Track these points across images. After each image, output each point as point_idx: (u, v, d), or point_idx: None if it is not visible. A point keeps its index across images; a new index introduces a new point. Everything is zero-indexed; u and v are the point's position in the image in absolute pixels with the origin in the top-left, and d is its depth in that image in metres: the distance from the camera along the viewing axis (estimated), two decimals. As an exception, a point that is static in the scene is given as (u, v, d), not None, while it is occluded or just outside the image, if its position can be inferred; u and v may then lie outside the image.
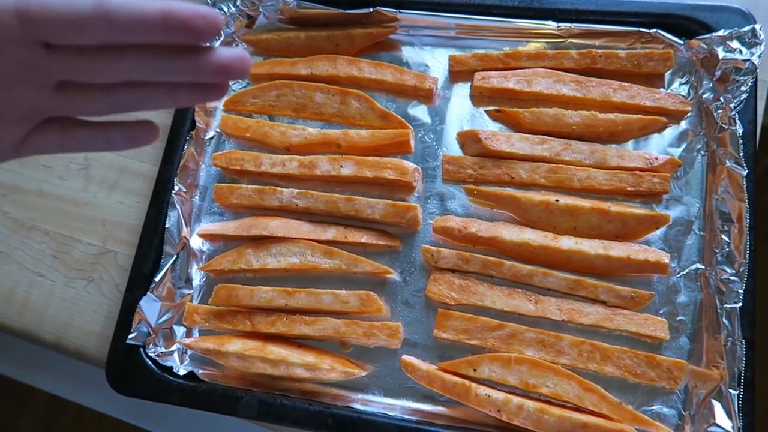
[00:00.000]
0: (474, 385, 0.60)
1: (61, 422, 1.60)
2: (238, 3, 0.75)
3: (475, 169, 0.68)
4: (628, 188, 0.64)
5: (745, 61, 0.63)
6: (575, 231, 0.64)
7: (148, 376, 0.63)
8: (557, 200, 0.64)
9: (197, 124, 0.72)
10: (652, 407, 0.60)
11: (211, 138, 0.74)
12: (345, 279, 0.67)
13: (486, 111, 0.71)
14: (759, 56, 0.63)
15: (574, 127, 0.67)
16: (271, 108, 0.74)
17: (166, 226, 0.68)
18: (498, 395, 0.59)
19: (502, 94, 0.70)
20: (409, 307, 0.65)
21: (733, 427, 0.55)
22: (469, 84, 0.71)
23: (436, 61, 0.73)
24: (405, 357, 0.63)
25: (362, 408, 0.62)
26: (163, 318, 0.66)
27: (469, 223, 0.65)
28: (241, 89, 0.75)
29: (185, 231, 0.69)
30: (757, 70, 0.63)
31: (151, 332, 0.65)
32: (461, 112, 0.71)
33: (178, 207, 0.69)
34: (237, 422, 0.68)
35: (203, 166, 0.73)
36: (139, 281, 0.67)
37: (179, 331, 0.67)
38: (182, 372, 0.64)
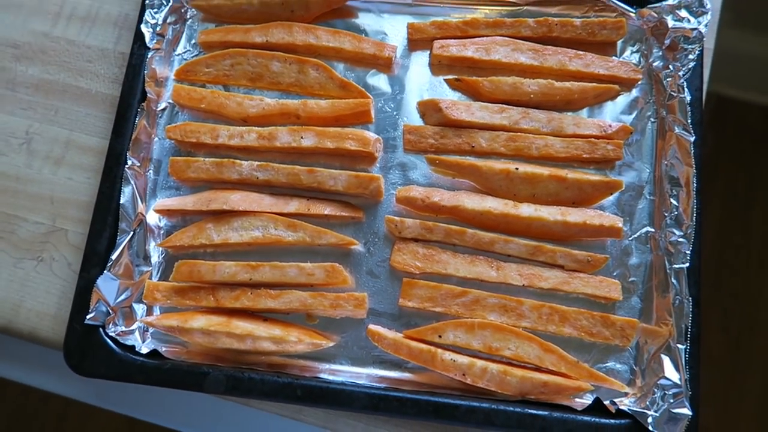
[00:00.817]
0: (439, 351, 0.62)
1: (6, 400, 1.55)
2: (186, -34, 0.72)
3: (436, 138, 0.68)
4: (584, 155, 0.66)
5: (693, 29, 0.66)
6: (534, 198, 0.66)
7: (110, 356, 0.62)
8: (517, 168, 0.65)
9: (148, 95, 0.69)
10: (607, 364, 0.63)
11: (164, 109, 0.71)
12: (309, 251, 0.67)
13: (445, 80, 0.71)
14: (706, 25, 0.65)
15: (531, 96, 0.68)
16: (226, 78, 0.71)
17: (121, 202, 0.66)
18: (463, 359, 0.61)
19: (461, 62, 0.70)
20: (374, 278, 0.66)
21: (680, 379, 0.59)
22: (428, 52, 0.71)
23: (394, 29, 0.73)
24: (372, 326, 0.64)
25: (330, 378, 0.62)
26: (122, 296, 0.64)
27: (431, 192, 0.66)
28: (193, 58, 0.72)
29: (141, 207, 0.67)
30: (704, 39, 0.65)
31: (110, 311, 0.63)
32: (421, 81, 0.71)
33: (132, 182, 0.66)
34: (205, 399, 0.68)
35: (156, 138, 0.70)
36: (95, 260, 0.65)
37: (139, 309, 0.66)
38: (145, 350, 0.63)
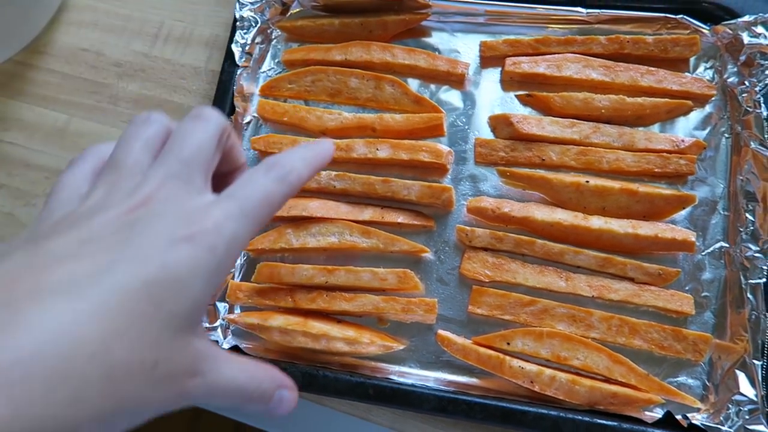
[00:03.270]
0: (508, 357, 0.63)
1: None
2: (273, -10, 0.78)
3: (506, 151, 0.70)
4: (655, 169, 0.67)
5: (770, 46, 0.66)
6: (604, 211, 0.67)
7: (196, 350, 0.66)
8: (587, 181, 0.66)
9: (236, 108, 0.75)
10: (678, 378, 0.63)
11: (249, 122, 0.77)
12: (382, 257, 0.69)
13: (516, 95, 0.73)
14: (784, 41, 0.65)
15: (602, 111, 0.69)
16: (307, 93, 0.76)
17: (209, 207, 0.71)
18: (531, 367, 0.62)
19: (533, 78, 0.72)
20: (443, 284, 0.68)
21: (756, 395, 0.58)
22: (500, 69, 0.74)
23: (466, 47, 0.76)
24: (441, 331, 0.66)
25: (399, 380, 0.65)
26: (208, 295, 0.69)
27: (502, 203, 0.68)
28: (277, 75, 0.77)
29: (226, 212, 0.72)
30: (782, 55, 0.65)
31: (197, 308, 0.68)
32: (492, 96, 0.74)
33: (219, 189, 0.71)
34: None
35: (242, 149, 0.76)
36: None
37: (222, 307, 0.70)
38: (226, 346, 0.67)
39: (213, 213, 0.34)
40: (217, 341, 0.67)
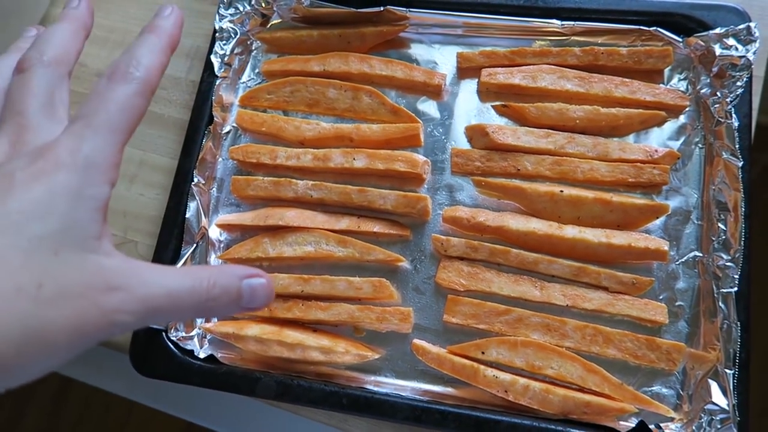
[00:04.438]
0: (482, 367, 0.63)
1: (69, 404, 1.66)
2: (252, 2, 0.78)
3: (482, 161, 0.71)
4: (630, 179, 0.67)
5: (741, 57, 0.66)
6: (579, 220, 0.67)
7: (170, 359, 0.66)
8: (562, 191, 0.67)
9: (215, 119, 0.75)
10: (652, 388, 0.63)
11: (228, 132, 0.77)
12: (358, 267, 0.70)
13: (493, 106, 0.73)
14: (754, 53, 0.66)
15: (577, 121, 0.70)
16: (286, 103, 0.77)
17: (186, 216, 0.71)
18: (505, 376, 0.62)
19: (508, 89, 0.73)
20: (419, 294, 0.68)
21: (728, 404, 0.58)
22: (477, 80, 0.74)
23: (444, 59, 0.76)
24: (416, 341, 0.66)
25: (375, 389, 0.65)
26: (184, 304, 0.69)
27: (477, 213, 0.68)
28: (256, 86, 0.78)
29: (204, 221, 0.72)
30: (752, 66, 0.66)
31: (172, 317, 0.68)
32: (469, 107, 0.74)
33: (197, 198, 0.72)
34: (255, 406, 0.71)
35: (220, 159, 0.76)
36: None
37: (199, 317, 0.70)
38: (202, 355, 0.67)
39: (62, 139, 0.36)
40: (192, 350, 0.67)
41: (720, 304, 0.61)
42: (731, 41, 0.67)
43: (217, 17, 0.77)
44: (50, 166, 0.34)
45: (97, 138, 0.36)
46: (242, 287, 0.40)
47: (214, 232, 0.73)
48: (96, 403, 1.68)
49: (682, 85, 0.71)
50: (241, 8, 0.78)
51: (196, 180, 0.72)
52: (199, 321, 0.70)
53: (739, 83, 0.66)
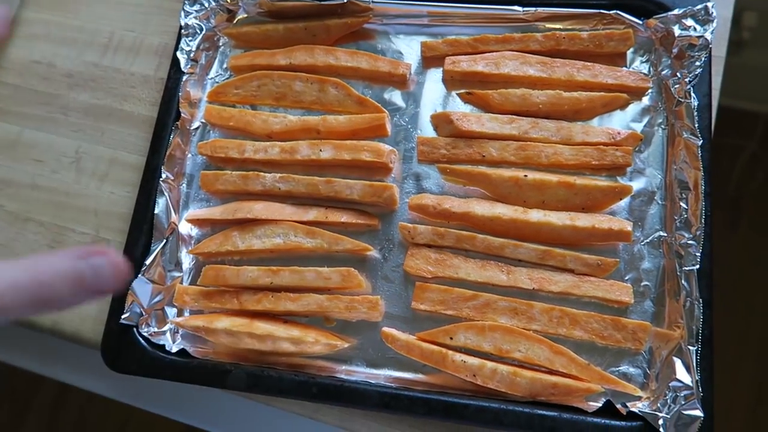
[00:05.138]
0: (450, 352, 0.63)
1: (67, 409, 1.66)
2: (218, -2, 0.79)
3: (448, 149, 0.71)
4: (593, 162, 0.68)
5: (699, 37, 0.67)
6: (544, 204, 0.68)
7: (142, 354, 0.67)
8: (526, 176, 0.67)
9: (182, 115, 0.75)
10: (620, 368, 0.63)
11: (197, 128, 0.77)
12: (327, 257, 0.70)
13: (457, 93, 0.74)
14: (711, 32, 0.66)
15: (540, 106, 0.70)
16: (253, 98, 0.77)
17: (155, 212, 0.71)
18: (473, 361, 0.63)
19: (472, 77, 0.73)
20: (388, 282, 0.69)
21: (691, 381, 0.59)
22: (441, 69, 0.75)
23: (409, 48, 0.77)
24: (385, 328, 0.66)
25: (346, 378, 0.65)
26: (155, 299, 0.69)
27: (443, 200, 0.69)
28: (224, 81, 0.78)
29: (174, 217, 0.72)
30: (711, 46, 0.66)
31: (143, 313, 0.68)
32: (434, 95, 0.75)
33: (166, 194, 0.72)
34: (231, 399, 0.72)
35: (189, 155, 0.76)
36: (131, 265, 0.70)
37: (171, 311, 0.70)
38: (174, 350, 0.68)
39: None
40: (164, 345, 0.68)
41: (683, 282, 0.62)
42: (689, 22, 0.68)
43: (182, 14, 0.78)
44: None
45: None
46: (81, 268, 0.36)
47: (185, 228, 0.73)
48: (94, 409, 1.68)
49: (645, 68, 0.72)
50: (207, 4, 0.79)
51: (164, 176, 0.73)
52: (171, 316, 0.70)
53: (698, 63, 0.67)
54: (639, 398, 0.61)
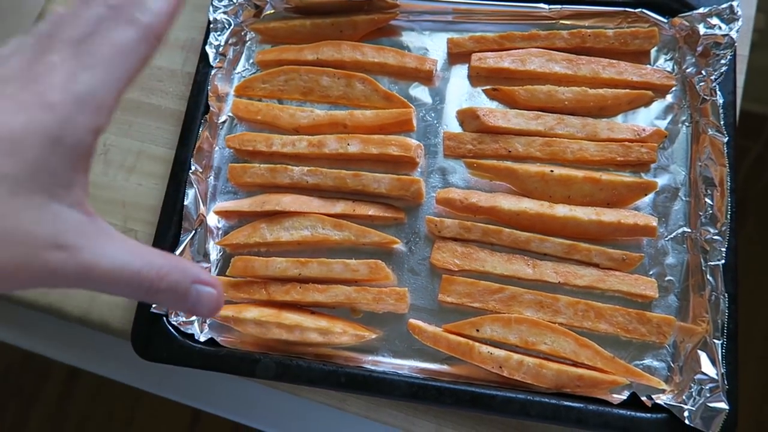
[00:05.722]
0: (477, 344, 0.64)
1: (78, 395, 1.68)
2: (246, -7, 0.80)
3: (474, 144, 0.72)
4: (618, 158, 0.69)
5: (724, 36, 0.67)
6: (569, 199, 0.69)
7: (171, 343, 0.68)
8: (552, 171, 0.68)
9: (211, 108, 0.76)
10: (644, 361, 0.64)
11: (224, 122, 0.78)
12: (354, 250, 0.71)
13: (483, 90, 0.75)
14: (737, 31, 0.67)
15: (566, 103, 0.71)
16: (280, 92, 0.78)
17: (185, 203, 0.72)
18: (499, 353, 0.63)
19: (498, 73, 0.74)
20: (414, 275, 0.70)
21: (717, 374, 0.59)
22: (467, 65, 0.76)
23: (435, 45, 0.78)
24: (412, 320, 0.67)
25: (373, 368, 0.66)
26: (184, 290, 0.70)
27: (470, 194, 0.69)
28: (251, 75, 0.79)
29: (202, 209, 0.73)
30: (735, 45, 0.67)
31: (173, 303, 0.69)
32: (460, 91, 0.75)
33: (195, 186, 0.73)
34: (256, 389, 0.73)
35: (217, 148, 0.77)
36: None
37: (199, 302, 0.71)
38: (203, 339, 0.69)
39: (57, 71, 0.33)
40: (193, 334, 0.68)
41: (708, 276, 0.63)
42: (715, 20, 0.69)
43: (211, 8, 0.79)
44: (36, 100, 0.32)
45: (93, 79, 0.33)
46: (190, 289, 0.38)
47: (212, 220, 0.74)
48: (103, 393, 1.69)
49: (669, 65, 0.72)
50: (235, 0, 0.80)
51: (193, 168, 0.74)
52: (199, 306, 0.71)
53: (723, 61, 0.67)
54: (663, 391, 0.62)
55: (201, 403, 0.78)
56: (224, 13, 0.79)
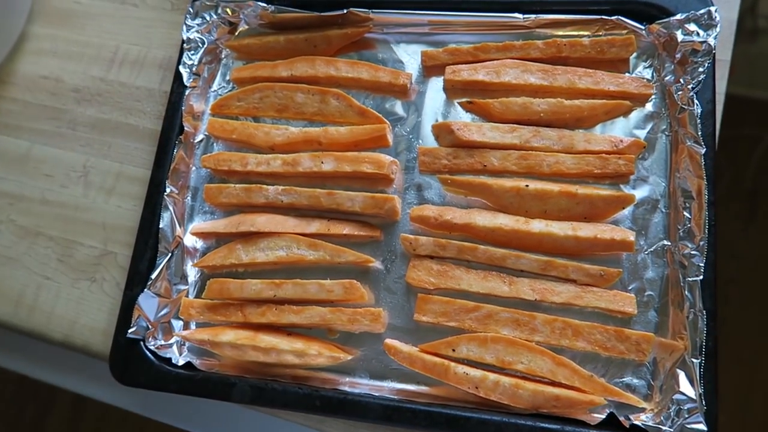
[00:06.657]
0: (453, 364, 0.63)
1: (86, 420, 1.69)
2: (219, 11, 0.79)
3: (449, 159, 0.71)
4: (595, 171, 0.67)
5: (702, 42, 0.66)
6: (545, 214, 0.67)
7: (148, 367, 0.68)
8: (527, 185, 0.67)
9: (186, 128, 0.76)
10: (623, 379, 0.63)
11: (200, 141, 0.78)
12: (330, 269, 0.70)
13: (458, 103, 0.73)
14: (715, 38, 0.65)
15: (542, 115, 0.69)
16: (255, 110, 0.77)
17: (160, 226, 0.72)
18: (475, 373, 0.63)
19: (474, 85, 0.73)
20: (391, 293, 0.69)
21: (695, 394, 0.58)
22: (443, 78, 0.74)
23: (410, 57, 0.77)
24: (388, 340, 0.66)
25: (350, 390, 0.65)
26: (161, 313, 0.70)
27: (444, 211, 0.68)
28: (227, 93, 0.79)
29: (179, 230, 0.73)
30: (714, 52, 0.65)
31: (150, 326, 0.69)
32: (436, 105, 0.74)
33: (170, 208, 0.73)
34: (238, 410, 0.73)
35: (193, 168, 0.77)
36: (137, 279, 0.71)
37: (177, 324, 0.71)
38: (181, 362, 0.69)
39: None
40: (170, 358, 0.68)
41: (686, 292, 0.61)
42: (692, 26, 0.67)
43: (184, 28, 0.78)
44: None
45: None
46: None
47: (190, 240, 0.74)
48: (111, 418, 1.71)
49: (648, 73, 0.71)
50: (208, 18, 0.79)
51: (168, 190, 0.73)
52: (177, 329, 0.71)
53: (701, 69, 0.65)
54: (643, 410, 0.61)
55: (183, 423, 0.78)
56: (198, 31, 0.78)
